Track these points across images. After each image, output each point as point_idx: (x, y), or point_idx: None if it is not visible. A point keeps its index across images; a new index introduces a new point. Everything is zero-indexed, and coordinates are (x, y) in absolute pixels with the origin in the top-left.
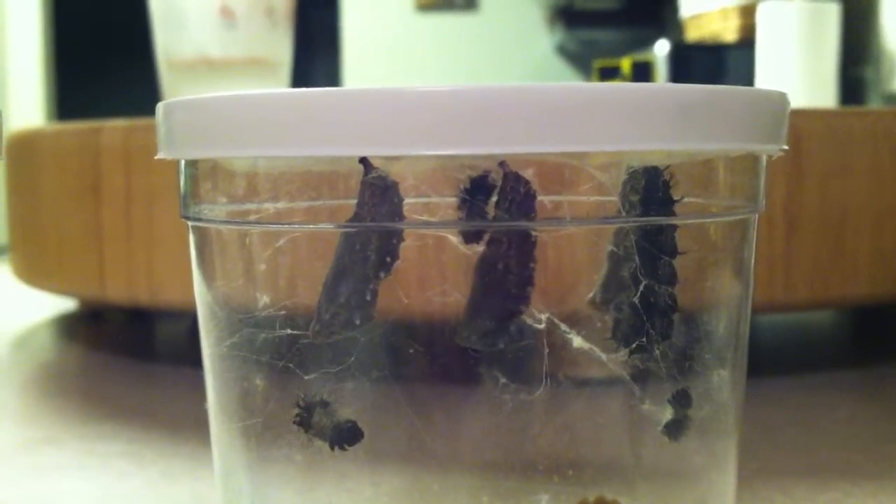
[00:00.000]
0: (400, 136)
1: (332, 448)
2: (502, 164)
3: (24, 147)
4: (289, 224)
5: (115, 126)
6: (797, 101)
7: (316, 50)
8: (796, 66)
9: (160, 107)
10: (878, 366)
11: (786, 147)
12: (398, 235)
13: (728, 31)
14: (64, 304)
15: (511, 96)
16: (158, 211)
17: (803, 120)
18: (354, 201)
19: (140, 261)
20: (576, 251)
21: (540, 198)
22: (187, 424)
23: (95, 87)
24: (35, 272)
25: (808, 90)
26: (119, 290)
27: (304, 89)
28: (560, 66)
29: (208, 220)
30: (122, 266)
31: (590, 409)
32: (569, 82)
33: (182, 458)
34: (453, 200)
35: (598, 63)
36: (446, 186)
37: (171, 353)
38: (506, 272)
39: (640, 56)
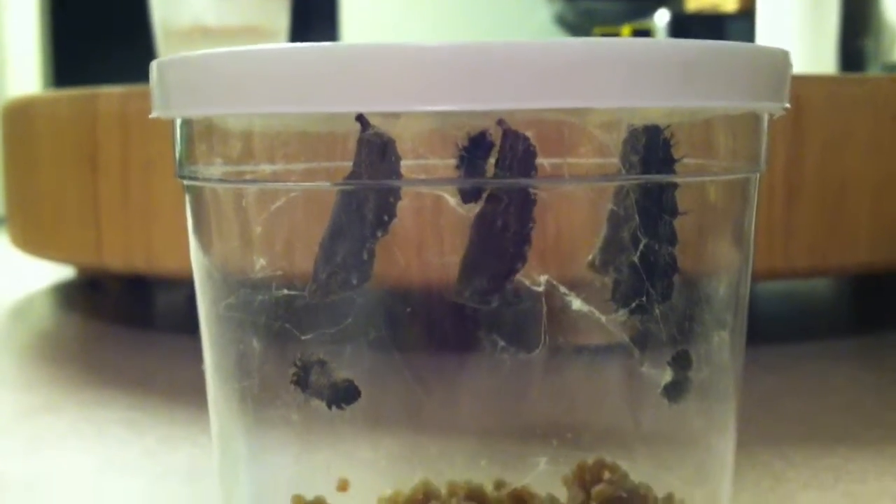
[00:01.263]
0: (397, 92)
1: (329, 407)
2: (501, 121)
3: (20, 114)
4: (284, 183)
5: (111, 93)
6: (797, 70)
7: (314, 20)
8: (796, 36)
9: (154, 65)
10: (876, 334)
11: (788, 105)
12: (395, 194)
13: (728, 2)
14: (62, 273)
15: (511, 52)
16: (156, 178)
17: (804, 86)
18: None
19: (137, 228)
20: (576, 213)
21: (539, 160)
22: (185, 391)
23: (93, 55)
24: (32, 240)
25: (808, 61)
26: (116, 258)
27: (300, 44)
28: (559, 37)
29: (203, 180)
30: (119, 234)
31: (589, 372)
32: (569, 38)
33: (180, 424)
34: (452, 163)
35: (597, 31)
36: (444, 149)
37: (169, 322)
38: (503, 230)
39: (640, 25)
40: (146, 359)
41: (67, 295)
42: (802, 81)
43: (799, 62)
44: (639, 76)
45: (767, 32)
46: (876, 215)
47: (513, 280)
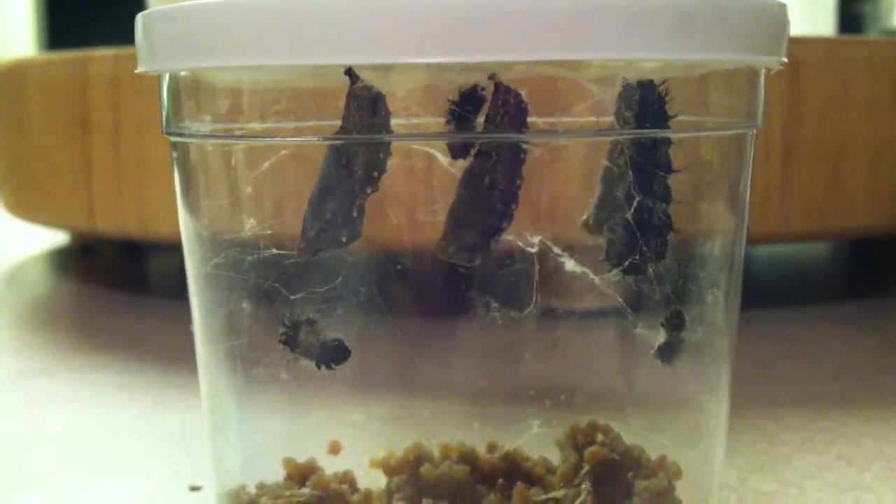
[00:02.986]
0: (387, 43)
1: (318, 367)
2: (493, 76)
3: (12, 77)
4: (272, 138)
5: (103, 55)
6: (796, 34)
7: None
8: (795, 1)
9: (139, 18)
10: (872, 298)
11: (785, 60)
12: (385, 149)
13: None
14: (56, 239)
15: (504, 2)
16: (148, 141)
17: (802, 48)
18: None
19: (130, 192)
20: (569, 173)
21: (533, 119)
22: (178, 356)
23: (87, 19)
24: (25, 205)
25: (807, 25)
26: (109, 223)
27: None
28: None
29: (191, 136)
30: (111, 198)
31: (582, 334)
32: None
33: (173, 388)
34: (443, 121)
35: None
36: (436, 107)
37: (163, 287)
38: (491, 187)
39: None
40: (139, 324)
41: (61, 261)
42: (801, 42)
43: (797, 26)
44: (634, 27)
45: None
46: (873, 178)
47: (498, 239)
